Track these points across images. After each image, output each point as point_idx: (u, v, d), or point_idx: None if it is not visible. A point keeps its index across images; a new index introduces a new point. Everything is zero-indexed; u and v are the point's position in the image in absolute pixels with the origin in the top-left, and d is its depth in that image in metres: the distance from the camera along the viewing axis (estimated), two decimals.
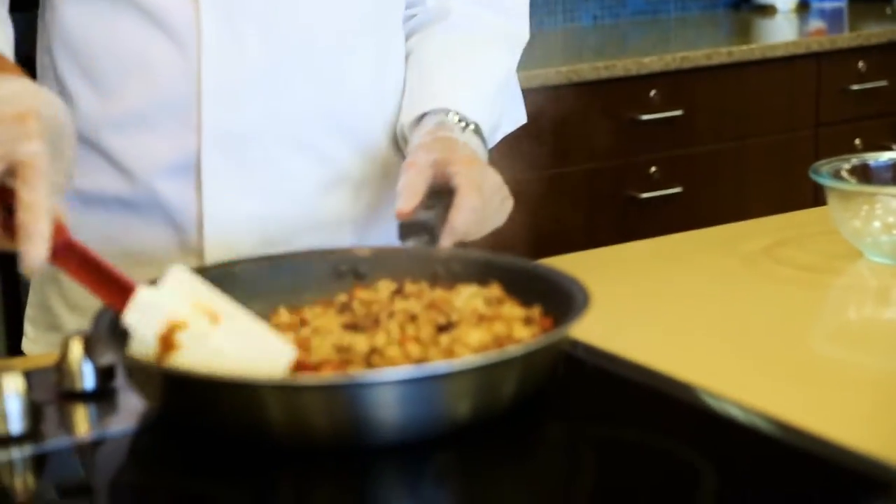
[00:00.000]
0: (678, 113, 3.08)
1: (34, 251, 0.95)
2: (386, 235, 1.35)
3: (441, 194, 1.20)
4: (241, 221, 1.32)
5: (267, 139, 1.32)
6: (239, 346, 0.97)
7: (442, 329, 1.01)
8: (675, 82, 3.07)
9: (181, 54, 1.28)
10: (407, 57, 1.41)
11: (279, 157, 1.33)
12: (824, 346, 1.17)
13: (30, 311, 1.43)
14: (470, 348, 0.97)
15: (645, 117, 3.03)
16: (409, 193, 1.18)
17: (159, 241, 1.32)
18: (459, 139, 1.28)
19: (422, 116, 1.33)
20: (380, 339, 0.99)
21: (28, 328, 1.43)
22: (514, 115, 1.46)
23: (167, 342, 0.96)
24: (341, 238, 1.35)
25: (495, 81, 1.40)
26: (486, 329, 1.00)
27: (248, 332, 0.98)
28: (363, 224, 1.38)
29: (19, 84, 1.07)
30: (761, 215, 1.60)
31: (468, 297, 1.06)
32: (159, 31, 1.28)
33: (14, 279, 2.53)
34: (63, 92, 1.32)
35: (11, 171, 0.98)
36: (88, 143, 1.31)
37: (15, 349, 2.48)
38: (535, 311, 1.03)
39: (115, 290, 0.98)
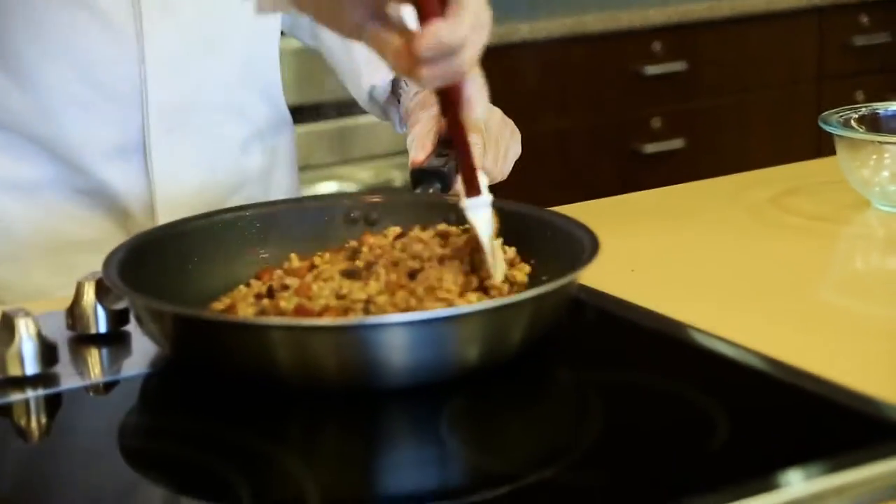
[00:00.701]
0: (681, 66, 3.07)
1: None
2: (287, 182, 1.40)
3: (452, 142, 1.20)
4: (187, 196, 1.31)
5: (204, 107, 1.32)
6: None
7: (412, 275, 1.01)
8: (678, 35, 3.06)
9: (119, 39, 1.25)
10: None
11: (214, 123, 1.33)
12: (832, 295, 1.17)
13: None
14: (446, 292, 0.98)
15: (649, 71, 3.02)
16: (420, 144, 1.19)
17: (103, 227, 1.30)
18: None
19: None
20: (372, 287, 0.99)
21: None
22: None
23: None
24: (254, 194, 1.36)
25: None
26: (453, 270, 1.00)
27: None
28: (267, 174, 1.40)
29: None
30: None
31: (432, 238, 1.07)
32: (95, 19, 1.25)
33: None
34: None
35: None
36: (21, 133, 1.27)
37: None
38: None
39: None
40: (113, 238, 1.24)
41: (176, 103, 1.29)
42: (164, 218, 1.27)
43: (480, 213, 1.01)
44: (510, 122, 1.26)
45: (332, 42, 1.42)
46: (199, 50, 1.31)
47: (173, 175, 1.30)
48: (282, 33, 1.44)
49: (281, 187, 1.41)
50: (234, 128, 1.35)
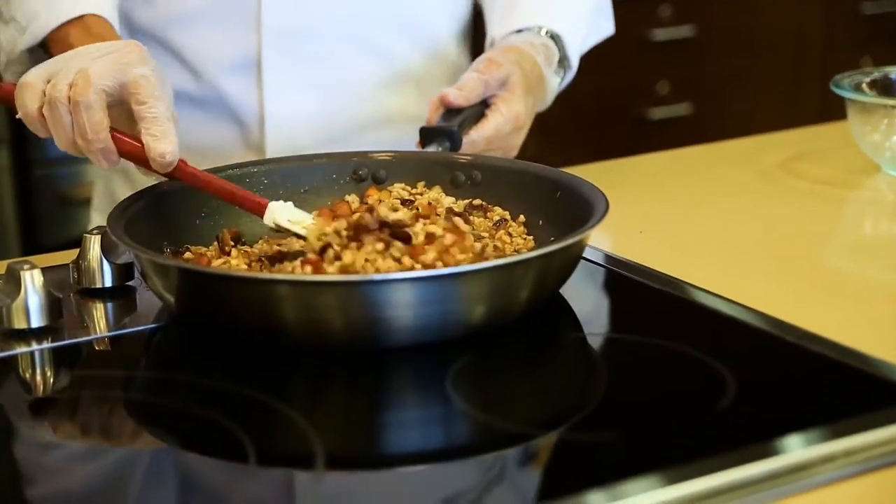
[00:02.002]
0: (690, 31, 3.05)
1: (166, 147, 0.98)
2: None
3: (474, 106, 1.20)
4: (301, 118, 1.35)
5: (327, 36, 1.34)
6: None
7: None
8: (686, 0, 3.04)
9: None
10: None
11: (339, 53, 1.35)
12: (841, 260, 1.17)
13: (96, 202, 1.47)
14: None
15: (656, 35, 3.01)
16: (434, 106, 1.20)
17: (223, 136, 1.36)
18: (532, 54, 1.27)
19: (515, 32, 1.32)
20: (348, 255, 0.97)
21: (95, 217, 1.47)
22: (602, 27, 1.45)
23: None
24: (407, 136, 1.33)
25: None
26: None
27: None
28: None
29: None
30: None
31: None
32: None
33: (27, 182, 2.53)
34: None
35: (128, 93, 1.00)
36: (156, 39, 1.34)
37: (30, 248, 2.49)
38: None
39: (243, 194, 1.03)
40: (232, 147, 1.35)
41: (291, 27, 1.33)
42: (275, 137, 1.34)
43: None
44: (520, 117, 1.23)
45: None
46: None
47: (284, 95, 1.34)
48: None
49: None
50: (369, 64, 1.36)
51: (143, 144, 0.99)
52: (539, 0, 1.35)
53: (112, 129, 1.00)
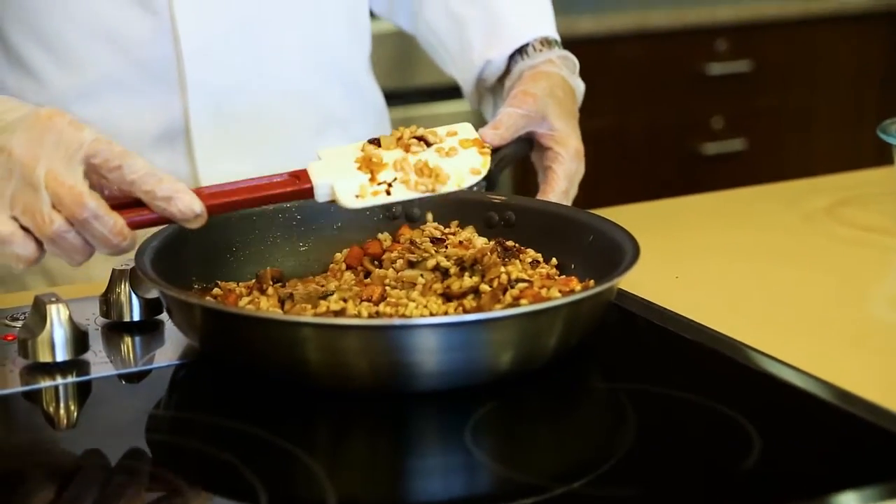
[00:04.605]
0: (746, 66, 3.02)
1: (186, 201, 0.92)
2: None
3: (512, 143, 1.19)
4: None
5: (254, 90, 1.28)
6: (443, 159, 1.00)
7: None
8: (743, 34, 3.01)
9: (151, 14, 1.23)
10: None
11: (268, 106, 1.28)
12: (883, 311, 1.14)
13: None
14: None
15: (712, 70, 2.98)
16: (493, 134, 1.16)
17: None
18: (557, 72, 1.25)
19: (517, 50, 1.29)
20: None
21: None
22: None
23: (370, 162, 0.98)
24: None
25: None
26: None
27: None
28: None
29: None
30: (826, 173, 1.56)
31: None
32: None
33: None
34: (20, 65, 1.26)
35: (90, 166, 0.91)
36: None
37: None
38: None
39: (278, 183, 0.97)
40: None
41: (218, 85, 1.26)
42: None
43: None
44: (580, 151, 1.22)
45: (437, 20, 1.37)
46: (242, 27, 1.26)
47: (218, 164, 1.26)
48: (372, 15, 1.41)
49: None
50: (298, 113, 1.31)
51: (156, 213, 0.92)
52: (520, 10, 1.32)
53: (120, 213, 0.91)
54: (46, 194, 0.89)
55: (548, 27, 1.31)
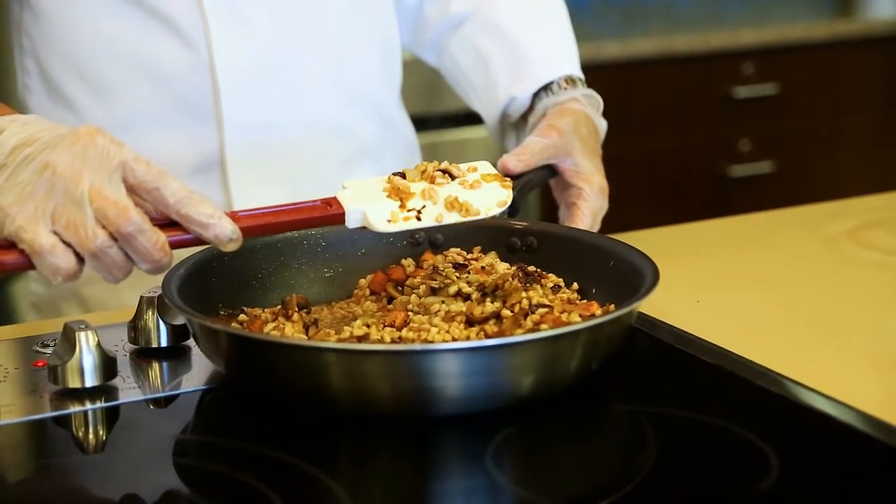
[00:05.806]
0: (773, 89, 3.03)
1: (222, 225, 0.92)
2: None
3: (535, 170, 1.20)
4: None
5: (287, 124, 1.30)
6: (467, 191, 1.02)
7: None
8: (770, 57, 3.02)
9: (189, 49, 1.26)
10: (466, 23, 1.39)
11: (301, 139, 1.31)
12: None
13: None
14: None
15: (739, 93, 2.99)
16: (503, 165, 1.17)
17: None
18: (582, 109, 1.27)
19: (542, 88, 1.31)
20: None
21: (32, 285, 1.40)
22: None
23: (398, 191, 0.99)
24: None
25: (567, 27, 1.38)
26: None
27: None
28: None
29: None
30: (853, 195, 1.57)
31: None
32: (164, 28, 1.25)
33: None
34: (60, 98, 1.29)
35: (128, 185, 0.91)
36: None
37: None
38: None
39: (310, 208, 0.98)
40: None
41: (253, 121, 1.28)
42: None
43: None
44: (605, 188, 1.24)
45: (463, 56, 1.39)
46: (277, 64, 1.29)
47: (251, 194, 1.29)
48: None
49: None
50: (330, 146, 1.34)
51: (191, 235, 0.92)
52: (545, 47, 1.33)
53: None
54: (90, 209, 0.89)
55: (573, 65, 1.33)
